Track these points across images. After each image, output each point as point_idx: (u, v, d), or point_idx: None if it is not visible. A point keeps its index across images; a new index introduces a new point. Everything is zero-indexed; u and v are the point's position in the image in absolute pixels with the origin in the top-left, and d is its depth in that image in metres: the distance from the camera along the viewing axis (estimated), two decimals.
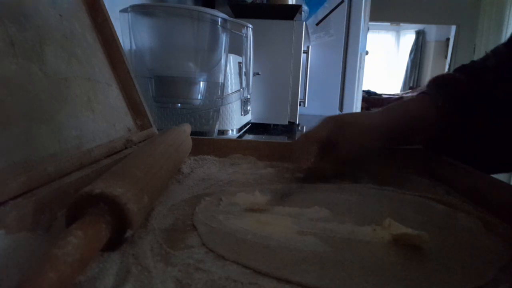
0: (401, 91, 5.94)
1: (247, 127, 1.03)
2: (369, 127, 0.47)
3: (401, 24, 5.87)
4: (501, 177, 0.43)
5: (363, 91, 3.90)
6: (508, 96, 0.46)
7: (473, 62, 0.52)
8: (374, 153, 0.48)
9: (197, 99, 0.76)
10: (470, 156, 0.49)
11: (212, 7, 1.37)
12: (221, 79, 0.79)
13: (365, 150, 0.47)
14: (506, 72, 0.48)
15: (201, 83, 0.76)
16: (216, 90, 0.79)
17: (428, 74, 5.75)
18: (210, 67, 0.77)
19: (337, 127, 0.47)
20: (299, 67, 1.11)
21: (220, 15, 0.74)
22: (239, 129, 0.91)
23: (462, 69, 0.52)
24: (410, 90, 5.63)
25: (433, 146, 0.53)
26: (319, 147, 0.46)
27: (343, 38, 1.73)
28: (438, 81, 0.51)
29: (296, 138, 0.51)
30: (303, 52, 1.15)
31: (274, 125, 1.13)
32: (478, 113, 0.48)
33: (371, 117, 0.49)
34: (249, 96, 0.97)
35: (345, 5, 1.69)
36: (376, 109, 0.51)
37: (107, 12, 0.50)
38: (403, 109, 0.51)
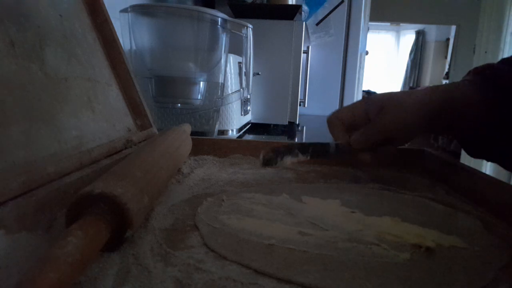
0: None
1: (247, 127, 1.03)
2: (411, 104, 0.44)
3: (401, 24, 5.87)
4: (501, 177, 0.43)
5: (363, 91, 3.90)
6: None
7: None
8: (413, 134, 0.45)
9: (197, 99, 0.76)
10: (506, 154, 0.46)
11: (212, 7, 1.37)
12: (221, 79, 0.79)
13: (405, 128, 0.44)
14: None
15: (201, 83, 0.76)
16: (216, 90, 0.79)
17: (428, 74, 5.75)
18: (210, 67, 0.77)
19: (370, 105, 0.45)
20: (299, 67, 1.11)
21: (220, 15, 0.74)
22: (239, 129, 0.91)
23: (507, 61, 0.48)
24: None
25: (469, 141, 0.49)
26: (343, 127, 0.45)
27: (343, 38, 1.73)
28: (485, 72, 0.47)
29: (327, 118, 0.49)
30: (303, 52, 1.15)
31: (274, 125, 1.13)
32: None
33: (414, 94, 0.45)
34: (249, 96, 0.97)
35: (345, 5, 1.69)
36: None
37: (107, 12, 0.50)
38: (448, 92, 0.46)
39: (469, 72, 0.49)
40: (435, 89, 0.46)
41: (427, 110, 0.43)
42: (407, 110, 0.43)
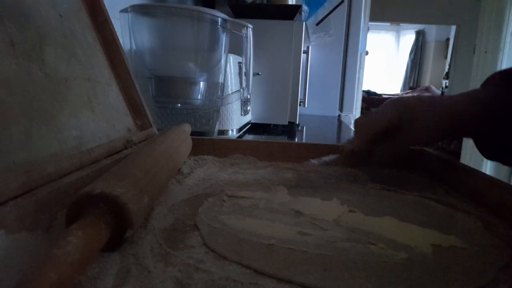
0: (401, 91, 5.95)
1: (247, 127, 1.03)
2: (438, 115, 0.44)
3: (401, 24, 5.87)
4: (501, 177, 0.43)
5: (363, 91, 3.90)
6: None
7: None
8: (435, 142, 0.46)
9: (197, 99, 0.76)
10: None
11: (212, 7, 1.37)
12: (221, 79, 0.79)
13: (430, 140, 0.44)
14: None
15: (201, 83, 0.76)
16: (216, 90, 0.79)
17: (428, 74, 5.75)
18: (210, 67, 0.77)
19: (401, 112, 0.44)
20: (299, 67, 1.11)
21: (220, 15, 0.74)
22: (239, 129, 0.91)
23: None
24: (410, 90, 5.64)
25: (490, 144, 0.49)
26: (376, 137, 0.45)
27: (343, 38, 1.73)
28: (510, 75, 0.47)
29: (356, 121, 0.48)
30: (303, 52, 1.15)
31: (274, 125, 1.13)
32: None
33: (441, 102, 0.46)
34: (249, 96, 0.97)
35: (345, 5, 1.69)
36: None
37: (107, 12, 0.50)
38: (485, 99, 0.46)
39: (489, 78, 0.48)
40: (471, 95, 0.46)
41: (461, 116, 0.44)
42: (437, 119, 0.43)
